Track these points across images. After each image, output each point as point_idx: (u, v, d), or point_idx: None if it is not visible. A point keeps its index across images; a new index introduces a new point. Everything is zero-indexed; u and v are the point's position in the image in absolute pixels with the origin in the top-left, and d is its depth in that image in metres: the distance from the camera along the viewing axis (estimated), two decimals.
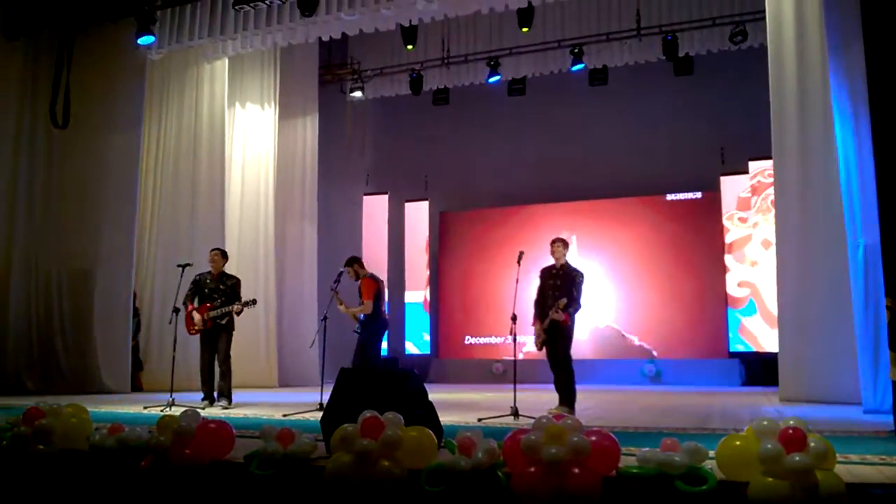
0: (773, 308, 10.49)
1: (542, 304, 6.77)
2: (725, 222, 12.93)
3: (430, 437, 3.25)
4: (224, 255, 8.16)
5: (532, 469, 2.98)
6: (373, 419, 3.18)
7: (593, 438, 3.06)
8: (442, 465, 3.10)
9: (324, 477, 3.19)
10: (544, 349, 6.79)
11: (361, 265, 8.13)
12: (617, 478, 3.06)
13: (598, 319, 13.69)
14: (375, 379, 3.87)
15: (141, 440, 3.51)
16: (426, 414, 3.60)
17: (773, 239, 9.94)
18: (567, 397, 6.68)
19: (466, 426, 5.32)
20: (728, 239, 12.87)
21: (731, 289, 12.73)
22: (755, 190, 12.63)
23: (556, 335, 6.70)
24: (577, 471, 2.93)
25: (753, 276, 12.58)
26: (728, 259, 12.82)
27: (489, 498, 3.02)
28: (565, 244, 6.89)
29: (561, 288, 6.68)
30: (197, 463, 3.38)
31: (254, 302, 7.93)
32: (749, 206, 12.70)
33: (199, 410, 3.65)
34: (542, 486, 2.93)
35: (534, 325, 6.81)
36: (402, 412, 3.31)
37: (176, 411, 5.39)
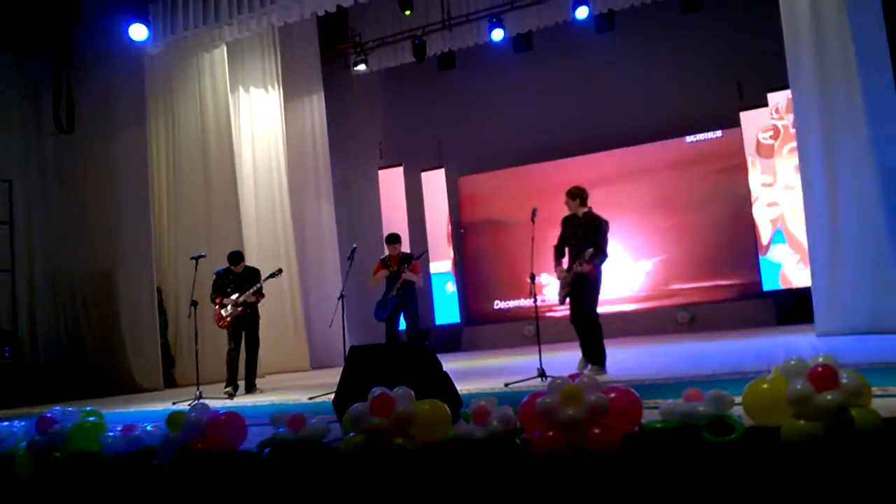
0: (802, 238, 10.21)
1: (562, 251, 6.47)
2: (750, 168, 12.54)
3: (443, 410, 3.13)
4: (241, 258, 8.16)
5: (550, 433, 2.86)
6: (382, 396, 3.07)
7: (612, 395, 2.92)
8: (457, 436, 2.98)
9: (338, 458, 3.10)
10: (567, 302, 6.45)
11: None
12: (640, 433, 2.92)
13: (628, 270, 13.48)
14: (385, 354, 3.76)
15: (153, 438, 3.45)
16: (440, 385, 3.48)
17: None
18: (597, 356, 6.34)
19: (492, 392, 5.23)
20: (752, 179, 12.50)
21: (759, 216, 12.40)
22: (775, 132, 12.23)
23: (581, 289, 6.31)
24: (596, 431, 2.80)
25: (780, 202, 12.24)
26: (754, 187, 12.47)
27: (508, 465, 2.91)
28: (573, 196, 6.46)
29: (583, 238, 6.29)
30: (210, 455, 3.31)
31: (279, 271, 8.11)
32: (772, 153, 12.31)
33: (210, 402, 3.57)
34: (561, 449, 2.81)
35: (555, 269, 6.46)
36: (414, 386, 3.19)
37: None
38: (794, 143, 8.79)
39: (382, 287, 8.20)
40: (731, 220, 12.86)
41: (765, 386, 2.84)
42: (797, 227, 11.67)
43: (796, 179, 11.11)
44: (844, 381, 2.66)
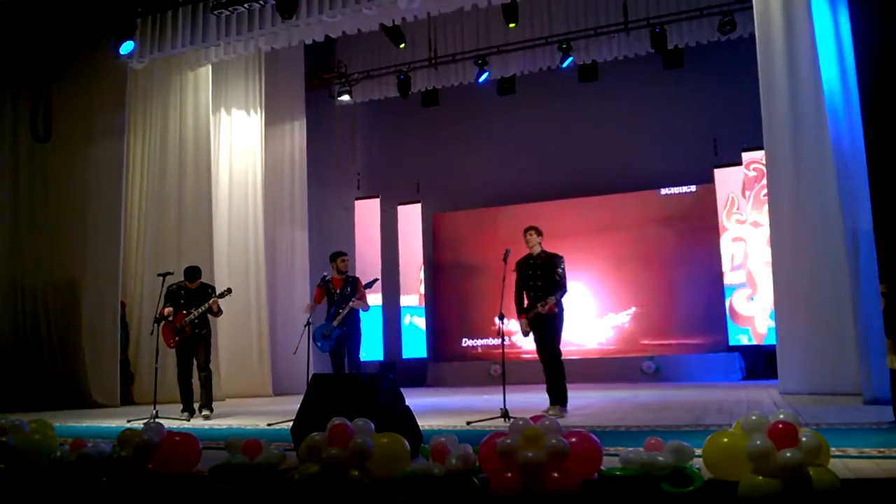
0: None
1: (522, 298, 6.55)
2: (722, 221, 12.68)
3: (401, 444, 3.09)
4: (196, 272, 7.84)
5: (509, 474, 2.83)
6: (341, 426, 3.03)
7: (573, 440, 2.91)
8: (414, 472, 2.94)
9: (292, 488, 3.03)
10: (533, 340, 6.53)
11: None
12: (599, 480, 2.90)
13: (596, 317, 13.54)
14: (347, 384, 3.72)
15: (103, 455, 3.35)
16: (401, 419, 3.44)
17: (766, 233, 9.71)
18: (558, 396, 6.40)
19: (455, 430, 5.18)
20: (726, 264, 12.66)
21: (743, 307, 12.47)
22: (746, 185, 12.44)
23: (543, 326, 6.42)
24: (555, 475, 2.78)
25: (750, 266, 12.35)
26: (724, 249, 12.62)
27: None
28: (539, 231, 6.62)
29: (542, 277, 6.43)
30: (160, 477, 3.23)
31: (228, 291, 7.70)
32: (742, 208, 12.50)
33: (167, 423, 3.49)
34: (518, 491, 2.78)
35: (519, 319, 6.55)
36: (375, 418, 3.15)
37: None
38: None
39: (322, 310, 7.65)
40: (700, 277, 12.99)
41: (725, 439, 2.85)
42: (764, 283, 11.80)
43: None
44: (804, 439, 2.68)
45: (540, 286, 6.41)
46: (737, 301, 12.47)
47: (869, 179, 5.13)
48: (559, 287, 6.37)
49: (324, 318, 7.51)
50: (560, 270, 6.47)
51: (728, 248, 12.62)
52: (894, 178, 4.83)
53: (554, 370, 6.43)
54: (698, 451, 2.93)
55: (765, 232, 10.85)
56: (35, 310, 10.30)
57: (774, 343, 8.99)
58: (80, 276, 10.26)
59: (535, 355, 6.65)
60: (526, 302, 6.56)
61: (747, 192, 12.43)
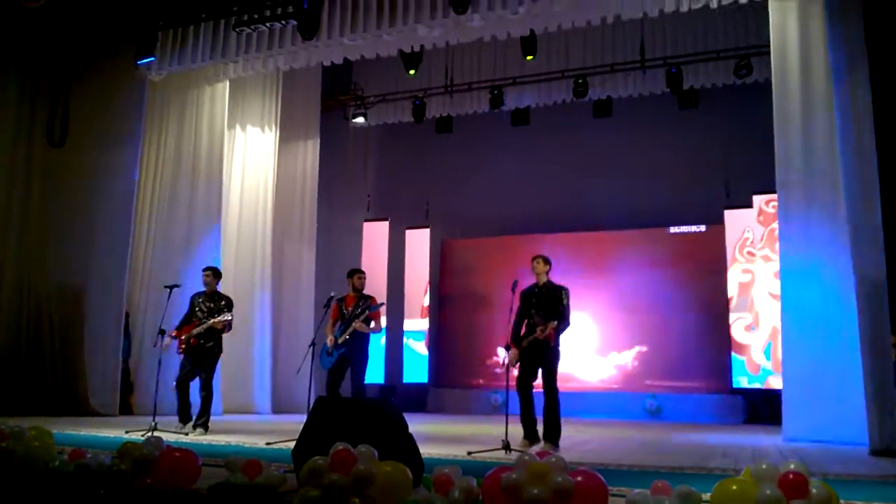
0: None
1: (519, 328, 6.45)
2: (729, 275, 12.62)
3: (404, 473, 3.04)
4: (217, 274, 7.97)
5: None
6: (344, 452, 2.99)
7: (579, 479, 2.86)
8: (416, 502, 2.90)
9: None
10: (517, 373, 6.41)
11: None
12: None
13: (599, 351, 13.47)
14: (351, 409, 3.68)
15: (101, 466, 3.32)
16: (404, 447, 3.40)
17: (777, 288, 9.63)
18: (552, 432, 6.27)
19: (455, 460, 5.12)
20: (731, 288, 12.57)
21: (741, 336, 12.38)
22: (763, 222, 12.40)
23: (536, 358, 6.31)
24: None
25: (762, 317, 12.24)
26: (734, 304, 12.52)
27: None
28: (546, 261, 6.57)
29: (545, 307, 6.34)
30: (158, 492, 3.19)
31: (229, 324, 7.63)
32: (755, 243, 12.44)
33: (166, 436, 3.46)
34: None
35: (509, 349, 6.41)
36: (378, 445, 3.11)
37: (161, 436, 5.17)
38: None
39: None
40: (706, 319, 12.92)
41: (734, 487, 2.80)
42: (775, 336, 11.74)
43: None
44: (814, 491, 2.63)
45: (542, 315, 6.31)
46: (735, 329, 12.39)
47: (883, 228, 5.11)
48: (562, 318, 6.29)
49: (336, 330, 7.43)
50: (565, 302, 6.38)
51: (735, 277, 12.53)
52: None
53: (551, 403, 6.31)
54: (705, 496, 2.88)
55: (774, 265, 10.81)
56: (39, 314, 10.29)
57: (775, 388, 8.93)
58: (85, 284, 10.26)
59: (539, 388, 6.52)
60: (523, 331, 6.47)
61: (762, 230, 12.35)
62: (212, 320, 7.49)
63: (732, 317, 12.41)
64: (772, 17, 8.48)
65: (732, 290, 12.51)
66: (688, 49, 11.91)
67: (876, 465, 5.32)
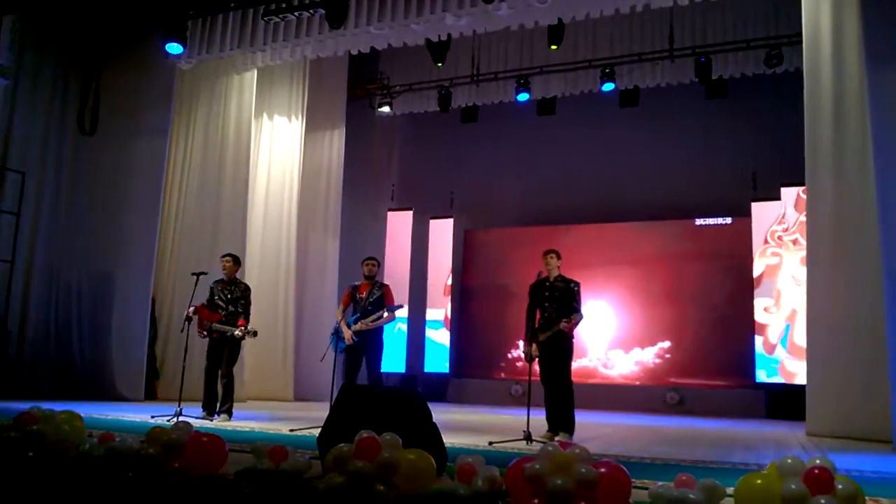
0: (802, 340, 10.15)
1: (533, 321, 6.47)
2: (756, 259, 12.50)
3: (428, 462, 3.07)
4: (236, 261, 8.00)
5: (535, 500, 2.79)
6: (369, 440, 3.01)
7: (602, 470, 2.85)
8: (440, 491, 2.92)
9: (316, 497, 3.03)
10: (537, 367, 6.44)
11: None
12: None
13: (622, 345, 13.42)
14: (377, 397, 3.71)
15: (131, 450, 3.37)
16: (428, 436, 3.42)
17: (802, 274, 9.54)
18: (566, 423, 6.31)
19: (476, 450, 5.14)
20: (756, 272, 12.45)
21: (760, 316, 12.30)
22: (786, 220, 12.27)
23: (555, 351, 6.35)
24: None
25: (786, 305, 12.14)
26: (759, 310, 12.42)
27: None
28: (558, 255, 6.59)
29: (558, 300, 6.38)
30: (186, 477, 3.24)
31: (254, 334, 7.56)
32: (780, 243, 12.31)
33: (191, 422, 3.51)
34: None
35: (525, 343, 6.44)
36: (402, 433, 3.14)
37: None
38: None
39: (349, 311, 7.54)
40: (731, 307, 12.82)
41: (759, 481, 2.79)
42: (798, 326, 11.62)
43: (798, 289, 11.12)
44: (840, 487, 2.61)
45: (556, 308, 6.36)
46: (756, 308, 12.36)
47: None
48: (576, 312, 6.32)
49: (351, 316, 7.45)
50: (579, 298, 6.44)
51: (763, 260, 12.44)
52: None
53: (565, 396, 6.36)
54: (729, 490, 2.87)
55: (801, 250, 10.74)
56: (69, 299, 10.45)
57: (802, 383, 8.84)
58: (114, 269, 10.41)
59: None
60: (537, 324, 6.49)
61: (795, 216, 12.19)
62: (237, 331, 7.48)
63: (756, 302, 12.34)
64: (804, 6, 8.37)
65: (758, 271, 12.41)
66: (717, 38, 11.76)
67: None
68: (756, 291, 12.38)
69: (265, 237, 12.27)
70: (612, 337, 13.41)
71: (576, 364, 12.32)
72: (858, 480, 2.98)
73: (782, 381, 11.96)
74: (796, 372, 11.57)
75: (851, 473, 4.46)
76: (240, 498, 3.15)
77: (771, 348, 12.10)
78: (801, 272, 10.71)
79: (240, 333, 7.47)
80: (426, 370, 14.72)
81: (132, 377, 10.02)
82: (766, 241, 12.44)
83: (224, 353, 7.63)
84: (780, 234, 12.33)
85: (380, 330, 7.33)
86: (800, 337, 11.49)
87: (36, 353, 10.03)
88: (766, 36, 11.43)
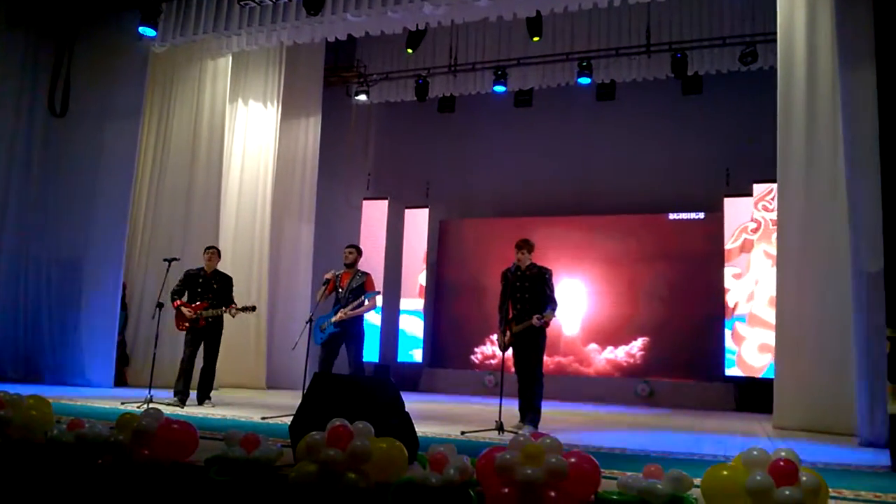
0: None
1: (507, 311, 6.46)
2: (726, 280, 12.66)
3: (400, 450, 3.08)
4: (219, 254, 8.01)
5: (506, 490, 2.82)
6: (341, 428, 3.02)
7: (572, 460, 2.89)
8: (411, 479, 2.93)
9: (287, 485, 3.02)
10: (511, 356, 6.47)
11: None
12: (595, 503, 2.89)
13: (594, 336, 13.52)
14: (349, 386, 3.71)
15: (100, 437, 3.35)
16: (400, 425, 3.43)
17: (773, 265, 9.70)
18: (533, 414, 6.30)
19: (448, 439, 5.17)
20: (731, 300, 12.63)
21: (749, 356, 12.35)
22: (756, 220, 12.45)
23: (529, 341, 6.34)
24: (553, 494, 2.77)
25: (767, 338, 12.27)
26: (727, 277, 12.60)
27: None
28: (531, 248, 6.53)
29: (530, 290, 6.36)
30: (156, 463, 3.22)
31: (253, 308, 7.69)
32: (751, 247, 12.50)
33: (162, 409, 3.49)
34: None
35: (499, 332, 6.45)
36: (374, 422, 3.15)
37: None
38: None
39: (329, 302, 7.51)
40: (702, 305, 12.96)
41: (725, 472, 2.84)
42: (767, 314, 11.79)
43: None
44: (804, 479, 2.67)
45: (528, 299, 6.34)
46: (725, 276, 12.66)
47: (884, 221, 5.11)
48: (551, 301, 6.32)
49: (331, 307, 7.45)
50: (551, 285, 6.42)
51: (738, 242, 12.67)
52: None
53: (535, 387, 6.35)
54: (697, 481, 2.92)
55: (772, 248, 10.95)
56: (38, 284, 10.32)
57: (770, 377, 8.99)
58: (84, 254, 10.28)
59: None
60: (511, 314, 6.47)
61: (762, 215, 12.38)
62: (234, 309, 7.55)
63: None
64: (779, 4, 8.44)
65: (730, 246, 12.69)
66: (694, 34, 11.85)
67: (865, 456, 5.37)
68: (728, 265, 12.61)
69: (239, 224, 12.16)
70: (584, 327, 13.50)
71: (549, 359, 12.47)
72: (822, 472, 3.05)
73: (750, 374, 12.12)
74: (762, 361, 11.75)
75: (816, 466, 4.55)
76: (210, 486, 3.14)
77: (730, 312, 12.42)
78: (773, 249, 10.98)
79: (235, 310, 7.54)
80: (400, 360, 14.73)
81: (102, 363, 9.91)
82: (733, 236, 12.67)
83: (209, 344, 7.66)
84: (752, 229, 12.51)
85: (360, 319, 7.31)
86: (760, 307, 11.93)
87: (4, 337, 9.90)
88: (741, 33, 11.54)
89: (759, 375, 11.92)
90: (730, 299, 12.52)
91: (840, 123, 7.12)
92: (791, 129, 8.09)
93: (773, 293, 8.81)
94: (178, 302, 7.63)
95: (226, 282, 7.86)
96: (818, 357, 7.38)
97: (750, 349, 12.21)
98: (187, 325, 7.61)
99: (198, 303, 7.63)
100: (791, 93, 8.15)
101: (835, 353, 7.14)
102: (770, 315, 10.93)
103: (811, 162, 7.86)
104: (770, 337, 11.46)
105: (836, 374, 7.10)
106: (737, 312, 12.42)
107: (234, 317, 7.71)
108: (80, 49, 10.75)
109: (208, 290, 7.69)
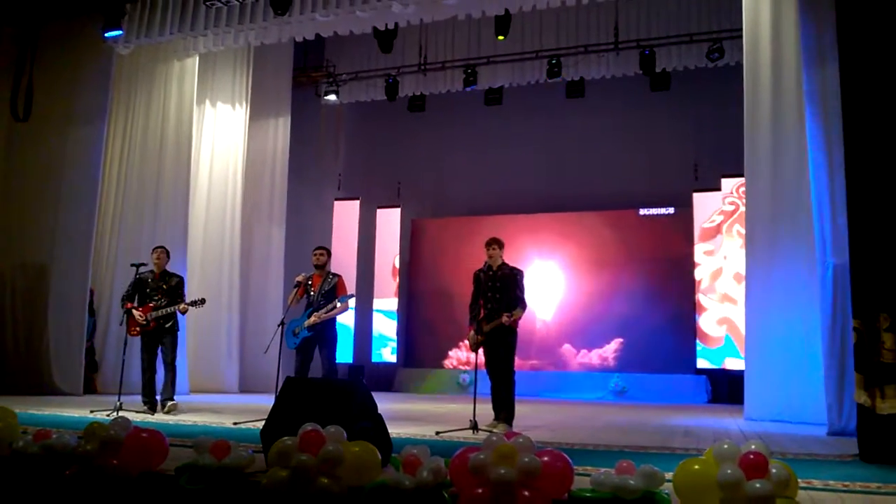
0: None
1: (478, 310, 6.44)
2: (697, 255, 12.82)
3: (373, 454, 3.06)
4: (167, 254, 7.82)
5: (479, 491, 2.81)
6: (313, 433, 2.99)
7: (545, 459, 2.89)
8: (384, 483, 2.91)
9: (259, 492, 2.99)
10: (482, 357, 6.46)
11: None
12: (569, 501, 2.89)
13: (566, 332, 13.59)
14: (320, 389, 3.68)
15: (67, 448, 3.28)
16: (374, 428, 3.41)
17: (743, 272, 9.80)
18: (507, 413, 6.32)
19: (423, 440, 5.16)
20: (698, 274, 12.76)
21: (707, 327, 12.58)
22: (724, 215, 12.60)
23: (500, 341, 6.34)
24: (526, 493, 2.77)
25: (728, 312, 12.43)
26: (701, 297, 12.72)
27: None
28: (501, 245, 6.53)
29: (501, 290, 6.35)
30: (125, 474, 3.16)
31: (202, 301, 7.50)
32: (718, 234, 12.65)
33: (131, 417, 3.43)
34: None
35: (469, 329, 6.44)
36: (347, 425, 3.12)
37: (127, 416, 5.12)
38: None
39: (301, 305, 7.45)
40: (673, 300, 13.09)
41: (696, 466, 2.85)
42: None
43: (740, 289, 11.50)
44: (774, 471, 2.69)
45: (499, 298, 6.33)
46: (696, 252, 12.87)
47: (848, 213, 5.18)
48: (521, 302, 6.34)
49: (302, 310, 7.38)
50: (522, 286, 6.43)
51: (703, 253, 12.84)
52: (875, 213, 4.89)
53: (507, 385, 6.36)
54: (669, 476, 2.94)
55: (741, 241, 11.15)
56: (2, 291, 10.11)
57: (741, 369, 9.09)
58: (49, 260, 10.08)
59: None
60: (482, 314, 6.45)
61: (731, 209, 12.55)
62: (182, 305, 7.38)
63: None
64: (745, 2, 8.54)
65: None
66: (661, 31, 11.98)
67: (833, 445, 5.45)
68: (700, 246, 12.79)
69: (208, 226, 12.04)
70: (557, 323, 13.56)
71: (524, 362, 12.49)
72: (792, 463, 3.08)
73: (722, 367, 12.27)
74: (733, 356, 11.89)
75: (786, 457, 4.61)
76: (181, 494, 3.09)
77: (698, 285, 12.67)
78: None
79: (184, 307, 7.36)
80: (374, 360, 14.68)
81: (70, 370, 9.74)
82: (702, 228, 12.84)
83: (166, 344, 7.48)
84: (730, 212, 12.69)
85: (332, 322, 7.25)
86: (728, 285, 12.19)
87: None
88: (708, 30, 11.67)
89: (715, 347, 12.16)
90: (698, 273, 12.74)
91: (805, 117, 7.21)
92: (757, 124, 8.19)
93: (741, 270, 8.99)
94: (129, 305, 7.45)
95: (176, 281, 7.66)
96: (787, 348, 7.48)
97: (709, 321, 12.45)
98: (138, 329, 7.44)
99: (147, 304, 7.47)
100: (757, 88, 8.25)
101: (803, 344, 7.24)
102: (735, 291, 11.18)
103: (777, 156, 7.96)
104: (730, 311, 11.64)
105: (804, 365, 7.20)
106: (702, 286, 12.65)
107: (183, 314, 7.50)
108: (42, 52, 10.54)
109: (157, 291, 7.53)
